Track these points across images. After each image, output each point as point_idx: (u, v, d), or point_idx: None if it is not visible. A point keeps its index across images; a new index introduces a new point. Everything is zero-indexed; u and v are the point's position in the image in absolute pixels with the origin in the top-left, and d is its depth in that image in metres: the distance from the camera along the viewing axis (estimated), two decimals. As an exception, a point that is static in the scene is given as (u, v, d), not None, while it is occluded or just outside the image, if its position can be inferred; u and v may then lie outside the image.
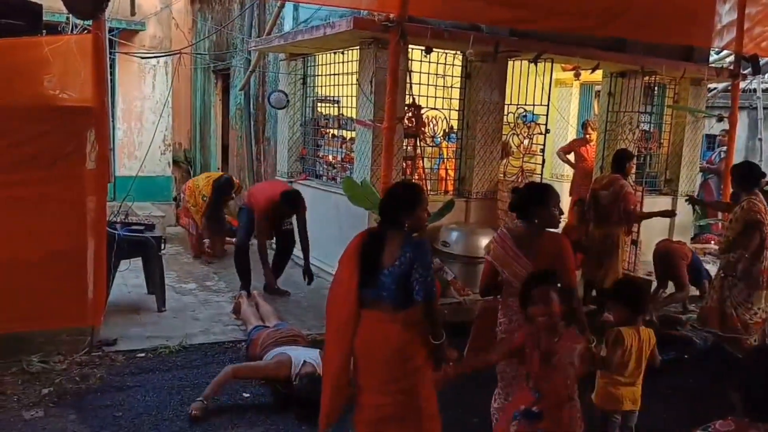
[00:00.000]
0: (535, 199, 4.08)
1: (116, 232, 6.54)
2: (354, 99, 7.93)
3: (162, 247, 7.04)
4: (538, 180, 7.73)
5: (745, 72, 8.85)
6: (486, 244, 4.22)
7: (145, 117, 11.27)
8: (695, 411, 5.07)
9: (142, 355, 5.77)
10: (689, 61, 8.85)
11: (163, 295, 6.94)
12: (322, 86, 9.08)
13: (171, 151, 11.92)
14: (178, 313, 6.87)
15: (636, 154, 8.66)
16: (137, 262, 7.06)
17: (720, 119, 9.52)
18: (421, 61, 7.35)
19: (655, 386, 4.44)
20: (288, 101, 9.13)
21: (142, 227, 7.14)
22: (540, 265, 3.87)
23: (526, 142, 8.03)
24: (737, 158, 9.22)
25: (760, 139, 12.81)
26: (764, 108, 13.36)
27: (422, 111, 7.66)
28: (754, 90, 13.20)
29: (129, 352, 5.77)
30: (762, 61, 8.91)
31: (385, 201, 3.77)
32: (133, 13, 10.36)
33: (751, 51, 8.54)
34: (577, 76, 9.27)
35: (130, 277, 7.20)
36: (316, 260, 7.65)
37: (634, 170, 7.36)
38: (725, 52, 10.33)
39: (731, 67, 9.03)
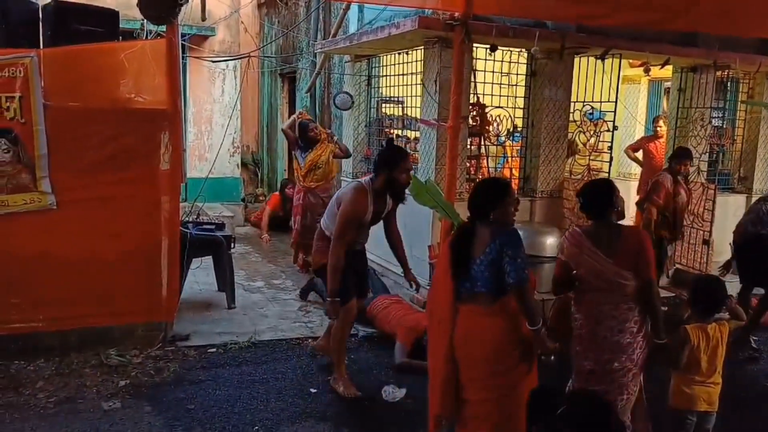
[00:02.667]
0: (608, 198, 4.02)
1: (188, 231, 6.72)
2: (418, 99, 7.96)
3: (232, 246, 7.21)
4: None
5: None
6: (559, 243, 4.17)
7: (215, 120, 11.55)
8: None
9: (213, 350, 5.93)
10: (765, 55, 8.58)
11: (232, 293, 7.12)
12: (386, 87, 9.14)
13: (239, 154, 12.17)
14: (247, 310, 7.04)
15: (708, 151, 8.44)
16: (208, 261, 7.26)
17: (796, 116, 9.17)
18: (485, 59, 7.32)
19: (731, 390, 4.34)
20: (353, 102, 9.22)
21: (212, 227, 7.33)
22: (621, 261, 3.87)
23: (592, 140, 7.92)
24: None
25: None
26: None
27: (486, 110, 7.66)
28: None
29: (201, 347, 5.95)
30: None
31: (473, 195, 3.84)
32: (203, 19, 10.58)
33: (833, 42, 8.23)
34: (646, 71, 9.06)
35: (201, 275, 7.39)
36: (381, 260, 7.70)
37: (687, 169, 7.06)
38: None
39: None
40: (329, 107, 10.66)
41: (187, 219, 7.18)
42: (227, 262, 7.12)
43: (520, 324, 3.68)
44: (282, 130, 9.31)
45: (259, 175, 14.46)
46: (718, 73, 8.45)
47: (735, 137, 9.27)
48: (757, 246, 6.53)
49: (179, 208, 6.14)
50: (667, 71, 8.78)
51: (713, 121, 8.80)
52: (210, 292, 7.39)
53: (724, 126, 9.21)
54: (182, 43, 8.56)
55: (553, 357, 3.82)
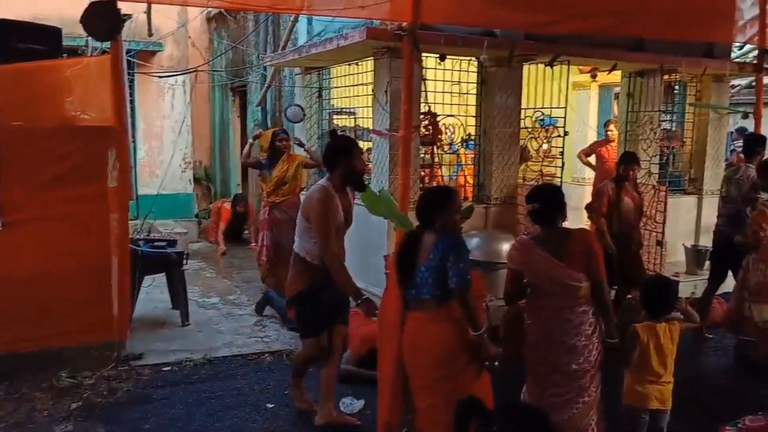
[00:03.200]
0: (559, 204, 4.09)
1: (139, 248, 6.63)
2: (370, 110, 7.94)
3: (184, 263, 7.12)
4: (558, 184, 7.70)
5: (768, 66, 8.70)
6: (507, 253, 4.20)
7: (166, 136, 11.40)
8: (726, 410, 5.02)
9: (168, 368, 5.83)
10: (710, 58, 8.76)
11: (186, 310, 7.02)
12: (337, 98, 9.11)
13: (191, 169, 12.04)
14: (202, 327, 6.94)
15: (658, 153, 8.55)
16: (161, 278, 7.14)
17: (746, 116, 9.30)
18: (435, 68, 7.35)
19: (686, 387, 4.41)
20: (304, 115, 9.15)
21: (164, 243, 7.22)
22: (572, 264, 3.91)
23: (544, 146, 8.00)
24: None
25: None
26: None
27: (438, 119, 7.67)
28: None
29: (155, 366, 5.84)
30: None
31: (419, 203, 3.93)
32: (150, 34, 10.49)
33: (776, 44, 8.43)
34: (593, 77, 9.22)
35: (154, 292, 7.28)
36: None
37: (634, 174, 7.06)
38: (748, 47, 10.20)
39: (755, 62, 8.90)
40: (281, 120, 10.59)
41: (137, 236, 7.06)
42: (180, 278, 7.03)
43: (466, 329, 3.70)
44: (242, 163, 9.07)
45: (212, 190, 14.32)
46: (666, 77, 8.59)
47: (684, 139, 9.43)
48: (728, 248, 6.65)
49: (128, 226, 6.04)
50: (616, 76, 8.91)
51: (663, 124, 8.93)
52: (163, 309, 7.27)
53: (674, 129, 9.36)
54: (129, 60, 8.47)
55: (497, 363, 3.82)
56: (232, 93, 13.24)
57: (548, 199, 4.08)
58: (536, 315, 4.07)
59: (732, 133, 12.10)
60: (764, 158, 6.65)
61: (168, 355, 6.06)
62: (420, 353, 3.74)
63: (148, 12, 9.96)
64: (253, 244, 10.92)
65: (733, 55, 10.20)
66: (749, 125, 9.91)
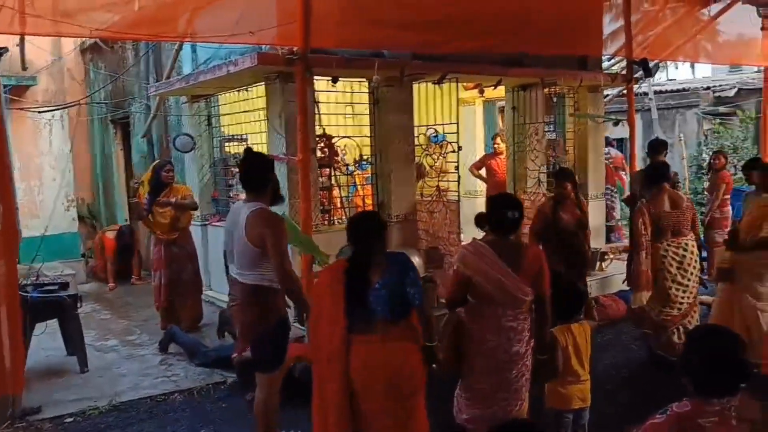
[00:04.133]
0: (521, 215, 4.18)
1: (28, 294, 6.24)
2: (263, 135, 7.83)
3: (78, 306, 6.74)
4: (455, 198, 7.83)
5: (637, 75, 9.20)
6: (458, 255, 4.23)
7: (45, 174, 10.88)
8: (645, 401, 5.20)
9: (71, 419, 5.48)
10: (584, 70, 9.17)
11: (84, 355, 6.64)
12: (228, 125, 8.96)
13: (75, 207, 11.51)
14: (103, 372, 6.58)
15: (545, 163, 8.82)
16: (53, 324, 6.73)
17: (616, 123, 9.82)
18: (328, 91, 7.34)
19: (600, 383, 4.55)
20: (194, 144, 8.94)
21: (55, 287, 6.82)
22: (523, 277, 3.99)
23: (439, 161, 8.11)
24: (638, 159, 9.53)
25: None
26: (657, 109, 14.08)
27: (334, 140, 7.65)
28: (645, 93, 13.88)
29: (56, 419, 5.47)
30: (650, 64, 9.26)
31: (356, 229, 3.90)
32: (24, 68, 9.99)
33: (640, 56, 8.92)
34: (481, 93, 9.45)
35: (45, 339, 6.82)
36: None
37: (568, 191, 6.85)
38: (616, 59, 10.75)
39: (624, 73, 9.39)
40: (169, 150, 10.29)
41: (25, 282, 6.64)
42: (74, 323, 6.64)
43: (417, 347, 3.78)
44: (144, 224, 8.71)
45: (97, 227, 13.72)
46: (546, 90, 8.93)
47: (567, 148, 9.79)
48: None
49: (17, 271, 5.68)
50: (500, 91, 9.18)
51: (547, 134, 9.25)
52: (59, 357, 6.85)
53: (557, 138, 9.72)
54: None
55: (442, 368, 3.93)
56: (113, 125, 12.75)
57: (521, 210, 4.19)
58: (481, 323, 4.09)
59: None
60: (647, 166, 6.93)
61: (69, 406, 5.70)
62: (373, 376, 3.68)
63: (21, 45, 9.50)
64: (134, 278, 10.69)
65: (603, 65, 10.72)
66: (622, 131, 10.49)
